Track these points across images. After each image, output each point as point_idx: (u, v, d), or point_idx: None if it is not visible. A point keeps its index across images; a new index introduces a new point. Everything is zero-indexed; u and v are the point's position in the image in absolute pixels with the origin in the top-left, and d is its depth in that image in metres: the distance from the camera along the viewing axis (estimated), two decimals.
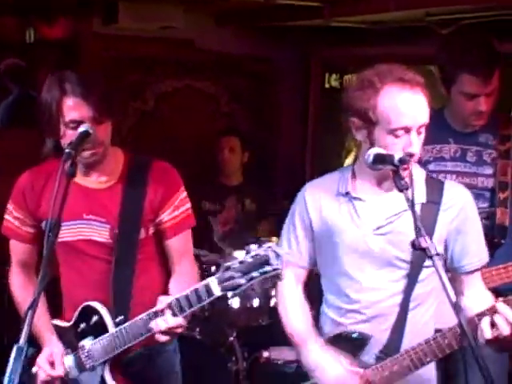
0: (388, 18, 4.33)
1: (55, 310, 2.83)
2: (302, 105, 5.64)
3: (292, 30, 5.09)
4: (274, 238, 4.42)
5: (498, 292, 2.60)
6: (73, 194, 2.54)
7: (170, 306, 2.45)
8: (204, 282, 2.37)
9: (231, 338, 3.92)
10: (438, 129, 3.05)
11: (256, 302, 3.88)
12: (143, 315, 2.52)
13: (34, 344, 2.67)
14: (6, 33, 5.01)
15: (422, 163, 3.00)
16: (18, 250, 2.81)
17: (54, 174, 2.50)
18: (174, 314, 2.44)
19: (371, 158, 2.39)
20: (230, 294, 2.32)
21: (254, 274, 2.26)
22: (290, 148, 5.68)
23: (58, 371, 2.68)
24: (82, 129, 2.52)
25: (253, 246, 2.26)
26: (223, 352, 3.92)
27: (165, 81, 5.29)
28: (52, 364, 2.69)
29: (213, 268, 3.98)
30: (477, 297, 2.52)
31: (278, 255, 2.25)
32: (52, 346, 2.72)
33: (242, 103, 5.55)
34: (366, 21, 4.56)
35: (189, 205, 2.77)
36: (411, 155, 2.38)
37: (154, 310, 2.49)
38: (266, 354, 3.75)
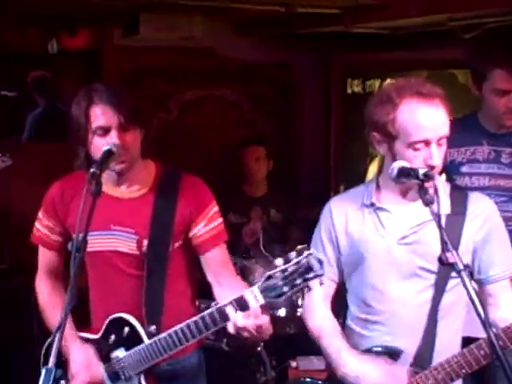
0: (409, 23, 4.31)
1: (82, 320, 2.83)
2: (325, 111, 5.64)
3: (312, 36, 5.08)
4: (299, 246, 4.44)
5: None
6: (102, 204, 2.56)
7: (235, 302, 2.41)
8: (248, 290, 2.37)
9: (259, 348, 3.92)
10: (471, 131, 3.09)
11: (283, 312, 3.84)
12: (184, 323, 2.51)
13: (62, 366, 2.70)
14: (29, 44, 5.08)
15: (456, 165, 3.02)
16: (45, 257, 2.85)
17: (82, 188, 2.49)
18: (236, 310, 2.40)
19: (395, 172, 2.40)
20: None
21: (298, 281, 2.28)
22: (313, 154, 5.67)
23: (99, 372, 2.69)
24: (106, 148, 2.54)
25: (293, 253, 2.28)
26: (251, 363, 3.92)
27: (187, 90, 5.32)
28: (88, 367, 2.69)
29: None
30: (508, 307, 2.50)
31: (320, 261, 2.28)
32: (82, 351, 2.71)
33: (264, 110, 5.56)
34: (388, 26, 4.55)
35: (221, 219, 2.77)
36: (432, 167, 2.40)
37: (194, 318, 2.48)
38: (294, 363, 3.75)
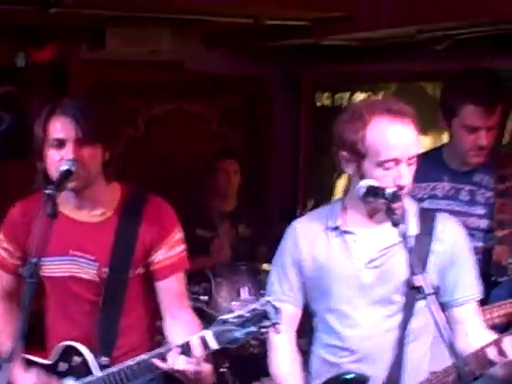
0: (379, 35, 4.28)
1: (37, 342, 2.76)
2: (294, 124, 5.59)
3: (282, 49, 5.04)
4: (265, 265, 4.38)
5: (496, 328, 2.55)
6: (62, 227, 2.50)
7: (181, 347, 2.38)
8: (200, 335, 2.34)
9: (223, 369, 3.85)
10: (434, 167, 3.09)
11: None
12: (146, 355, 2.44)
13: None
14: None
15: (416, 200, 2.99)
16: (2, 279, 2.76)
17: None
18: (182, 353, 2.37)
19: (363, 191, 2.35)
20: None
21: (253, 328, 2.26)
22: (282, 168, 5.62)
23: None
24: (64, 167, 2.44)
25: (249, 300, 2.26)
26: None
27: (155, 105, 5.24)
28: None
29: None
30: (477, 332, 2.45)
31: (276, 309, 2.26)
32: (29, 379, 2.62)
33: (233, 124, 5.50)
34: (358, 38, 4.51)
35: (184, 247, 2.69)
36: (402, 187, 2.35)
37: (162, 349, 2.43)
38: None
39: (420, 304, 2.41)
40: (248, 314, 2.27)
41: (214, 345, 2.31)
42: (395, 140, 2.34)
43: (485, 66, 3.50)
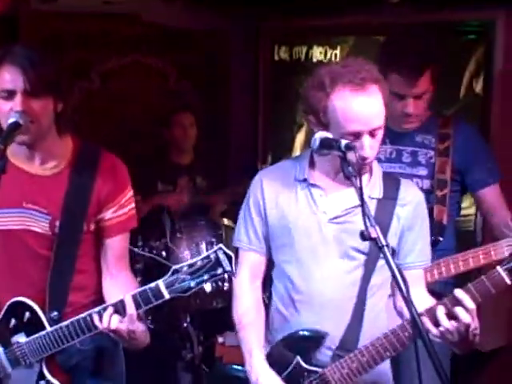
0: None
1: None
2: (252, 79, 5.52)
3: (240, 3, 4.97)
4: (225, 220, 4.37)
5: (434, 293, 2.57)
6: (14, 179, 2.45)
7: (114, 306, 2.38)
8: (152, 285, 2.33)
9: (185, 324, 3.85)
10: None
11: (208, 287, 3.80)
12: (86, 313, 2.43)
13: None
14: None
15: None
16: None
17: None
18: (116, 312, 2.38)
19: (317, 143, 2.33)
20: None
21: (205, 276, 2.27)
22: (241, 123, 5.56)
23: None
24: (11, 119, 2.37)
25: (202, 247, 2.24)
26: (178, 339, 3.85)
27: (110, 58, 5.13)
28: None
29: None
30: (420, 297, 2.43)
31: (229, 257, 2.26)
32: None
33: (191, 79, 5.41)
34: None
35: (133, 205, 2.66)
36: (364, 159, 2.33)
37: (99, 308, 2.42)
38: (220, 338, 3.69)
39: (380, 262, 2.43)
40: (200, 263, 2.27)
41: (166, 294, 2.31)
42: (356, 114, 2.30)
43: (441, 19, 3.48)
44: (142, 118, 5.11)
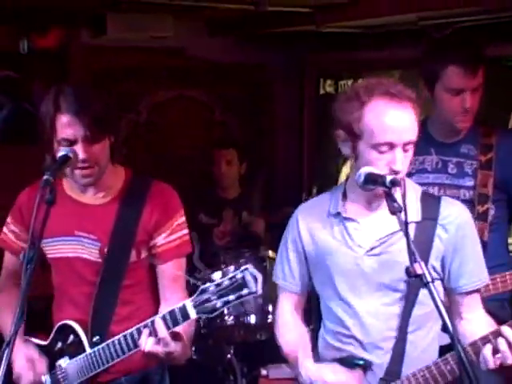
0: (381, 22, 4.25)
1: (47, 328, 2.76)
2: (297, 112, 5.56)
3: (285, 36, 5.01)
4: (271, 252, 4.37)
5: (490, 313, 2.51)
6: (66, 209, 2.55)
7: (145, 327, 2.40)
8: (179, 305, 2.35)
9: (229, 356, 3.84)
10: (420, 140, 2.97)
11: (253, 319, 3.80)
12: (121, 334, 2.47)
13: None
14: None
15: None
16: (8, 261, 2.78)
17: None
18: (150, 335, 2.39)
19: (362, 178, 2.32)
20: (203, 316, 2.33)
21: (231, 297, 2.27)
22: (286, 156, 5.60)
23: (43, 369, 2.62)
24: (61, 153, 2.44)
25: (231, 268, 2.24)
26: (221, 371, 3.84)
27: (157, 91, 5.21)
28: (32, 364, 2.61)
29: None
30: (477, 320, 2.42)
31: (255, 278, 2.25)
32: (24, 349, 2.62)
33: (236, 112, 5.47)
34: (360, 25, 4.48)
35: (186, 231, 2.68)
36: (396, 173, 2.30)
37: (131, 330, 2.44)
38: (264, 371, 3.68)
39: (423, 292, 2.36)
40: (227, 283, 2.27)
41: (192, 314, 2.32)
42: (391, 123, 2.29)
43: (489, 53, 3.46)
44: (187, 151, 5.17)
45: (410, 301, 2.41)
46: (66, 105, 2.46)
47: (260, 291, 2.27)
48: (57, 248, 2.64)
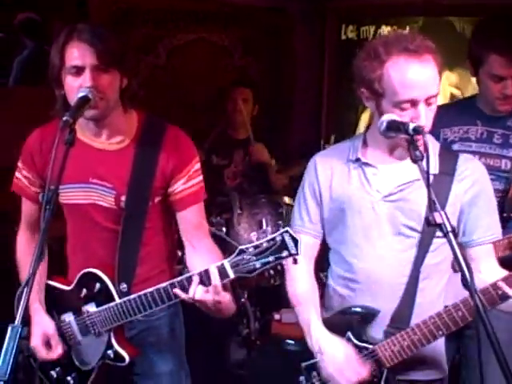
0: None
1: (60, 269, 2.79)
2: (318, 57, 5.48)
3: None
4: (286, 198, 4.36)
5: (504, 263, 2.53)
6: (81, 154, 2.50)
7: (200, 275, 2.39)
8: (218, 264, 2.34)
9: (242, 300, 3.87)
10: (467, 112, 3.07)
11: None
12: (167, 283, 2.44)
13: (29, 323, 2.64)
14: None
15: (448, 143, 3.00)
16: (26, 207, 2.76)
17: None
18: (201, 283, 2.39)
19: (384, 125, 2.30)
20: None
21: (270, 258, 2.26)
22: (305, 101, 5.53)
23: (58, 351, 2.65)
24: (81, 93, 2.40)
25: (268, 228, 2.23)
26: (234, 315, 3.87)
27: (177, 34, 5.17)
28: (47, 344, 2.65)
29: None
30: (491, 272, 2.42)
31: (295, 240, 2.25)
32: (42, 325, 2.66)
33: (256, 56, 5.42)
34: None
35: (201, 177, 2.66)
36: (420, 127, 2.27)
37: (182, 277, 2.43)
38: (277, 316, 3.70)
39: (436, 241, 2.40)
40: (266, 244, 2.27)
41: (231, 274, 2.32)
42: (412, 80, 2.27)
43: None
44: (203, 94, 5.14)
45: (422, 249, 2.43)
46: (77, 35, 2.44)
47: (301, 253, 2.27)
48: (72, 195, 2.61)
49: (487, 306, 2.27)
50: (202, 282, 2.38)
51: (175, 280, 2.43)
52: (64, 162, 2.23)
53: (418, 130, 2.19)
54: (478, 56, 2.95)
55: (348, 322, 2.50)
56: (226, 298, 2.42)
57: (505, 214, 2.88)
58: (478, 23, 3.17)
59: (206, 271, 2.37)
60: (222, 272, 2.33)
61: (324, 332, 2.49)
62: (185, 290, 2.41)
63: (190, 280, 2.40)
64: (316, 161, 2.59)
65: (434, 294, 2.49)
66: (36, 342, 2.64)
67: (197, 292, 2.38)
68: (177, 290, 2.41)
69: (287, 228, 2.28)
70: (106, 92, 2.47)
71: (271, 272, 3.59)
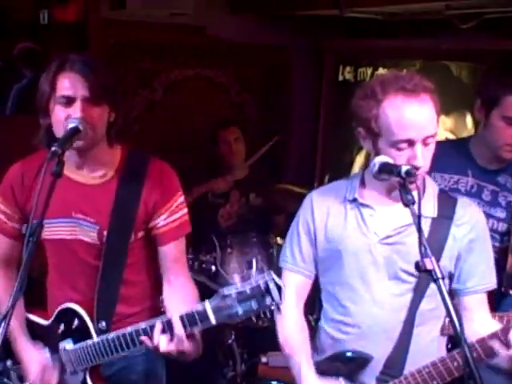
0: (405, 9, 4.17)
1: (40, 303, 2.73)
2: (315, 97, 5.48)
3: (306, 20, 4.94)
4: (278, 238, 4.31)
5: None
6: (63, 188, 2.42)
7: (162, 324, 2.33)
8: (200, 308, 2.26)
9: (229, 341, 3.79)
10: (460, 159, 2.97)
11: (255, 306, 3.74)
12: (133, 328, 2.38)
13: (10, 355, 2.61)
14: (20, 15, 4.93)
15: None
16: (1, 244, 2.67)
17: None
18: (164, 332, 2.32)
19: (377, 167, 2.28)
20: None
21: (253, 306, 2.19)
22: (300, 141, 5.52)
23: (54, 378, 2.59)
24: (72, 124, 2.36)
25: (252, 273, 2.16)
26: (221, 356, 3.81)
27: (174, 69, 5.15)
28: (44, 377, 2.58)
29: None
30: (484, 322, 2.38)
31: (278, 287, 2.17)
32: (38, 360, 2.59)
33: (253, 93, 5.41)
34: (384, 12, 4.40)
35: (186, 210, 2.62)
36: (416, 168, 2.25)
37: (146, 323, 2.36)
38: (264, 358, 3.63)
39: (432, 287, 2.34)
40: (249, 291, 2.19)
41: (212, 320, 2.24)
42: (409, 120, 2.24)
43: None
44: (201, 131, 5.10)
45: (418, 294, 2.38)
46: (70, 64, 2.40)
47: (283, 302, 2.20)
48: (54, 230, 2.56)
49: (483, 356, 2.23)
50: (164, 331, 2.31)
51: (139, 326, 2.36)
52: (50, 193, 2.19)
53: (410, 173, 2.16)
54: (493, 97, 2.85)
55: (340, 367, 2.43)
56: (190, 346, 2.33)
57: (503, 289, 2.79)
58: (493, 63, 3.08)
59: (169, 321, 2.30)
60: (204, 317, 2.25)
61: (312, 375, 2.41)
62: (151, 338, 2.34)
63: (153, 327, 2.33)
64: (312, 198, 2.53)
65: (427, 340, 2.44)
66: (35, 377, 2.58)
67: (160, 343, 2.31)
68: (144, 338, 2.34)
69: (272, 274, 2.20)
70: (95, 124, 2.43)
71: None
